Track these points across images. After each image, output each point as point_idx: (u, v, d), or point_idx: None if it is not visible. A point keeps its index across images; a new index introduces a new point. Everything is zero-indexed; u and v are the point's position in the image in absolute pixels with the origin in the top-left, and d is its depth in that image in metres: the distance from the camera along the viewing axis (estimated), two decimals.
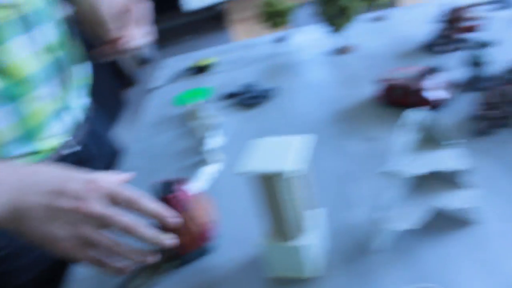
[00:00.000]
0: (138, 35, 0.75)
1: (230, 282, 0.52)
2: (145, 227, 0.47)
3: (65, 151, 0.70)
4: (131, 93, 3.34)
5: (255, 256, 0.54)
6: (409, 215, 0.48)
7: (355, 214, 0.56)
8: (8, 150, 0.61)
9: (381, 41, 1.03)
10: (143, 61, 3.30)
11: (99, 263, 0.47)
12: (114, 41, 0.74)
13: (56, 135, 0.68)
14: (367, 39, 1.06)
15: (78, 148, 0.73)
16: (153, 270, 0.56)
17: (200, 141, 0.80)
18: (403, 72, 0.76)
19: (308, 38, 1.16)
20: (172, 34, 3.56)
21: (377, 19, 1.16)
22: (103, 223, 0.46)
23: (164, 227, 0.50)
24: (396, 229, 0.48)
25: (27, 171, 0.47)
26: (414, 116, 0.49)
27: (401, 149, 0.48)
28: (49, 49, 0.66)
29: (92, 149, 0.78)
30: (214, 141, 0.77)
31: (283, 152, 0.44)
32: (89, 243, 0.46)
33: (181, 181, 0.54)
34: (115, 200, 0.47)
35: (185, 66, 1.18)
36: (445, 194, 0.49)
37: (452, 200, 0.49)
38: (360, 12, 0.98)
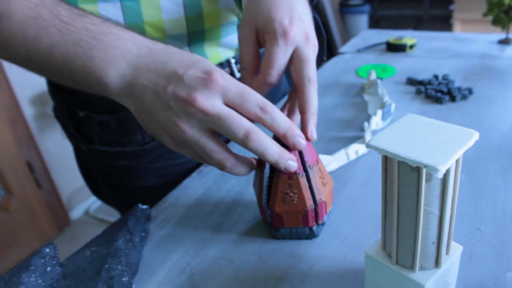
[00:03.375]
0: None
1: (316, 285, 0.41)
2: (270, 139, 0.39)
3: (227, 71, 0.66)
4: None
5: (359, 264, 0.42)
6: None
7: None
8: (173, 45, 0.59)
9: None
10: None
11: (201, 161, 0.43)
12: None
13: (225, 48, 0.64)
14: None
15: (238, 76, 0.68)
16: None
17: (367, 118, 0.68)
18: None
19: None
20: (392, 22, 3.39)
21: None
22: (216, 125, 0.39)
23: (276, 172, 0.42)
24: None
25: (150, 47, 0.43)
26: None
27: None
28: None
29: None
30: (376, 122, 0.65)
31: (441, 141, 0.30)
32: (188, 144, 0.40)
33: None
34: (238, 103, 0.39)
35: (381, 40, 1.05)
36: None
37: None
38: None
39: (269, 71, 0.44)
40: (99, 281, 0.41)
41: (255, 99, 0.39)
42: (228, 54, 0.66)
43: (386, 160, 0.32)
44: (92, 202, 2.25)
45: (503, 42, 0.95)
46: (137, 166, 0.65)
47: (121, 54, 0.41)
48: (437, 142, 0.30)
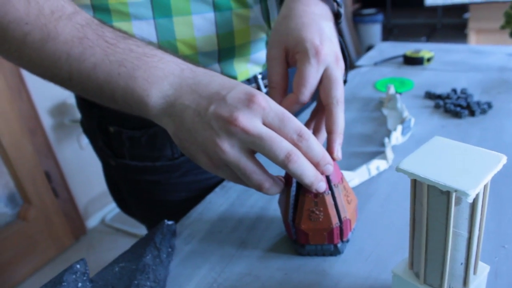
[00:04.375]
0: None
1: None
2: (307, 161, 0.40)
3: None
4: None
5: (384, 281, 0.42)
6: None
7: None
8: (202, 63, 0.60)
9: None
10: (369, 47, 3.24)
11: (237, 182, 0.44)
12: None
13: (253, 64, 0.66)
14: None
15: (263, 91, 0.70)
16: None
17: (387, 132, 0.69)
18: None
19: None
20: (406, 31, 3.40)
21: None
22: (257, 145, 0.39)
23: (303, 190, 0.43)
24: None
25: (193, 69, 0.44)
26: None
27: None
28: None
29: None
30: (396, 137, 0.66)
31: (470, 166, 0.31)
32: (226, 164, 0.42)
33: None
34: (277, 126, 0.40)
35: (398, 53, 1.06)
36: None
37: None
38: None
39: (301, 90, 0.45)
40: None
41: (294, 124, 0.40)
42: (255, 70, 0.67)
43: (415, 183, 0.32)
44: (108, 211, 2.27)
45: None
46: (166, 180, 0.67)
47: (164, 75, 0.43)
48: (466, 166, 0.31)
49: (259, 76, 0.67)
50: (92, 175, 2.14)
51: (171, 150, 0.64)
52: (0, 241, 1.79)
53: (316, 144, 0.41)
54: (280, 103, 0.47)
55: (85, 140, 2.13)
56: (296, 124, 0.41)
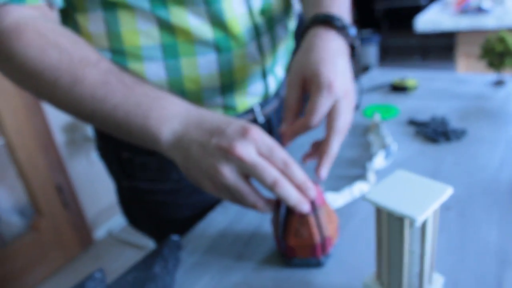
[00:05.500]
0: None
1: None
2: (291, 186, 0.47)
3: (250, 118, 0.75)
4: None
5: None
6: None
7: None
8: (206, 96, 0.68)
9: None
10: (365, 67, 3.32)
11: (236, 203, 0.51)
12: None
13: (251, 96, 0.73)
14: None
15: (262, 120, 0.77)
16: None
17: (371, 157, 0.77)
18: None
19: None
20: (401, 52, 3.49)
21: None
22: (250, 171, 0.47)
23: (290, 212, 0.50)
24: None
25: (197, 110, 0.53)
26: None
27: None
28: (264, 12, 0.70)
29: (273, 127, 0.82)
30: (378, 162, 0.73)
31: (422, 195, 0.38)
32: (226, 187, 0.49)
33: (318, 186, 0.53)
34: (268, 155, 0.48)
35: (386, 81, 1.14)
36: None
37: None
38: None
39: (312, 118, 0.53)
40: None
41: (281, 155, 0.48)
42: (253, 101, 0.75)
43: (379, 210, 0.40)
44: (115, 224, 2.34)
45: (497, 84, 1.03)
46: (172, 201, 0.74)
47: (173, 115, 0.51)
48: (419, 196, 0.38)
49: (257, 108, 0.75)
50: (101, 189, 2.22)
51: (178, 174, 0.72)
52: (13, 250, 1.86)
53: (299, 172, 0.49)
54: (291, 123, 0.55)
55: (94, 156, 2.21)
56: (283, 154, 0.49)
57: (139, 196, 0.76)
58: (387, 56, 3.36)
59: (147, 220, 0.82)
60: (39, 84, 0.53)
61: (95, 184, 2.22)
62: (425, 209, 0.36)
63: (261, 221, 0.64)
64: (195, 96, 0.66)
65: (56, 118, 2.01)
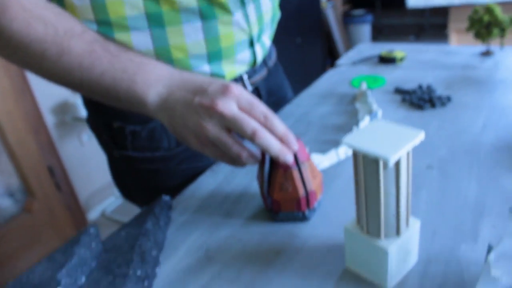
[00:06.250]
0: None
1: (307, 257, 0.51)
2: (273, 137, 0.50)
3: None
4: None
5: (342, 240, 0.52)
6: None
7: (470, 249, 0.48)
8: (194, 65, 0.69)
9: None
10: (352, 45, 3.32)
11: (220, 158, 0.54)
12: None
13: (239, 65, 0.75)
14: None
15: (250, 89, 0.79)
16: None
17: (356, 123, 0.79)
18: None
19: None
20: (394, 31, 3.49)
21: None
22: (231, 124, 0.50)
23: (275, 166, 0.52)
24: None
25: (180, 73, 0.55)
26: None
27: None
28: None
29: (261, 96, 0.83)
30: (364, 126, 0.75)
31: (396, 139, 0.40)
32: (211, 141, 0.51)
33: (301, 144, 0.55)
34: (248, 109, 0.50)
35: (375, 53, 1.15)
36: None
37: None
38: None
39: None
40: (134, 253, 0.51)
41: (261, 108, 0.51)
42: (241, 69, 0.76)
43: (355, 154, 0.42)
44: (107, 204, 2.36)
45: (484, 54, 1.05)
46: (163, 168, 0.76)
47: (158, 79, 0.54)
48: (393, 140, 0.40)
49: (245, 76, 0.77)
50: (93, 170, 2.24)
51: (168, 142, 0.74)
52: (6, 233, 1.88)
53: (279, 124, 0.51)
54: None
55: (85, 137, 2.22)
56: (263, 108, 0.51)
57: (131, 165, 0.78)
58: (380, 35, 3.37)
59: (140, 190, 0.84)
60: (26, 57, 0.55)
61: (87, 166, 2.23)
62: (398, 150, 0.38)
63: (249, 182, 0.66)
64: (183, 64, 0.68)
65: (46, 99, 2.01)
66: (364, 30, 3.44)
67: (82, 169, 2.22)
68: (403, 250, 0.45)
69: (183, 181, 0.78)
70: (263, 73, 0.82)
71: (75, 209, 2.18)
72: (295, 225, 0.56)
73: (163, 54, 0.66)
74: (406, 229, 0.44)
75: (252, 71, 0.78)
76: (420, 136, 0.40)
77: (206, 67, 0.71)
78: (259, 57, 0.78)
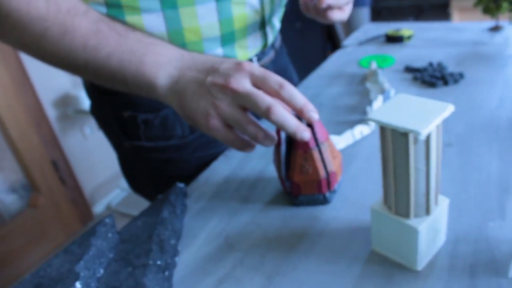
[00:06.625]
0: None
1: (331, 241, 0.50)
2: (287, 111, 0.47)
3: None
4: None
5: (366, 222, 0.51)
6: None
7: (498, 227, 0.47)
8: (207, 48, 0.67)
9: None
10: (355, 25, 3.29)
11: (231, 142, 0.51)
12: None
13: (251, 48, 0.73)
14: None
15: None
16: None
17: (370, 102, 0.77)
18: None
19: None
20: (393, 13, 3.45)
21: None
22: (245, 101, 0.47)
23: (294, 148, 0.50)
24: None
25: (190, 54, 0.53)
26: None
27: None
28: None
29: None
30: (378, 105, 0.73)
31: (424, 113, 0.39)
32: (223, 123, 0.49)
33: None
34: (262, 83, 0.48)
35: (380, 33, 1.13)
36: None
37: None
38: None
39: None
40: (152, 243, 0.50)
41: (275, 78, 0.48)
42: (253, 52, 0.74)
43: (383, 129, 0.40)
44: (113, 197, 2.35)
45: (494, 29, 1.02)
46: (177, 157, 0.74)
47: (168, 60, 0.51)
48: (421, 114, 0.38)
49: (254, 59, 0.75)
50: (96, 163, 2.22)
51: (182, 129, 0.72)
52: (12, 228, 1.87)
53: (297, 93, 0.48)
54: None
55: (88, 130, 2.19)
56: (277, 78, 0.48)
57: (143, 156, 0.76)
58: (379, 18, 3.32)
59: (151, 181, 0.83)
60: (24, 37, 0.51)
61: (91, 159, 2.21)
62: (429, 123, 0.37)
63: (265, 166, 0.64)
64: (196, 48, 0.66)
65: (47, 92, 1.98)
66: (363, 12, 3.39)
67: (86, 162, 2.20)
68: (433, 229, 0.43)
69: (196, 169, 0.76)
70: (271, 55, 0.80)
71: (80, 203, 2.17)
72: (315, 208, 0.54)
73: (176, 37, 0.64)
74: (435, 208, 0.43)
75: (261, 53, 0.77)
76: (450, 109, 0.39)
77: (219, 50, 0.69)
78: (270, 39, 0.76)
